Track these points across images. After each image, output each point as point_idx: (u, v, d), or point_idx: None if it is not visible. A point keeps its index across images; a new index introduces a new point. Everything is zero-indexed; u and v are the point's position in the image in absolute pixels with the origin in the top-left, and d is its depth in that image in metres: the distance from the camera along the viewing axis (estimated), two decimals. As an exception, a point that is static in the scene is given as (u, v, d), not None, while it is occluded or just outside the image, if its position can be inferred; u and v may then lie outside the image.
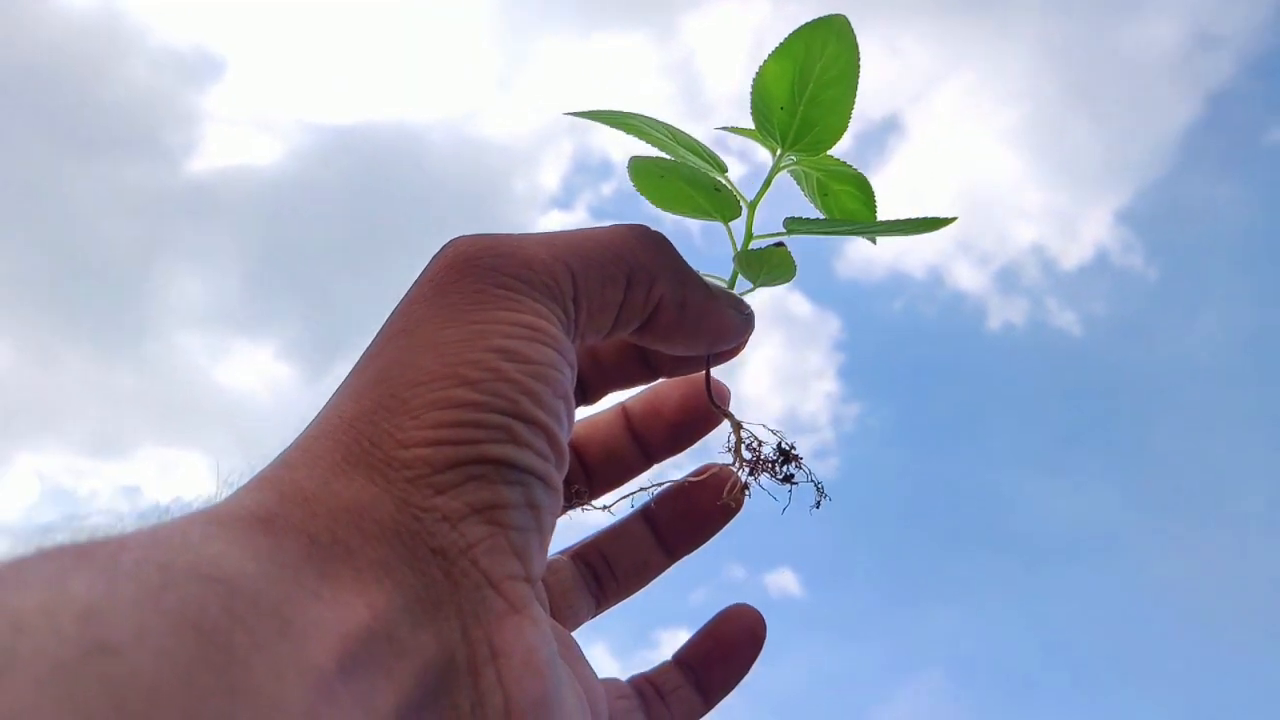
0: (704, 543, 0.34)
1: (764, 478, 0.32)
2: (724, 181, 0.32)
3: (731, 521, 0.33)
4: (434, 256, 0.26)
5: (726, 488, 0.32)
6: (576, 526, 0.33)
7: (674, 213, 0.33)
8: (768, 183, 0.33)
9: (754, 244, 0.33)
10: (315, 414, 0.24)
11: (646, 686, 0.32)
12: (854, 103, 0.32)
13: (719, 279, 0.33)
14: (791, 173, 0.34)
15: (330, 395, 0.25)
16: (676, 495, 0.33)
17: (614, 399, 0.33)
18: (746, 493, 0.33)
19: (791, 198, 0.34)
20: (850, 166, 0.33)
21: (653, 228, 0.29)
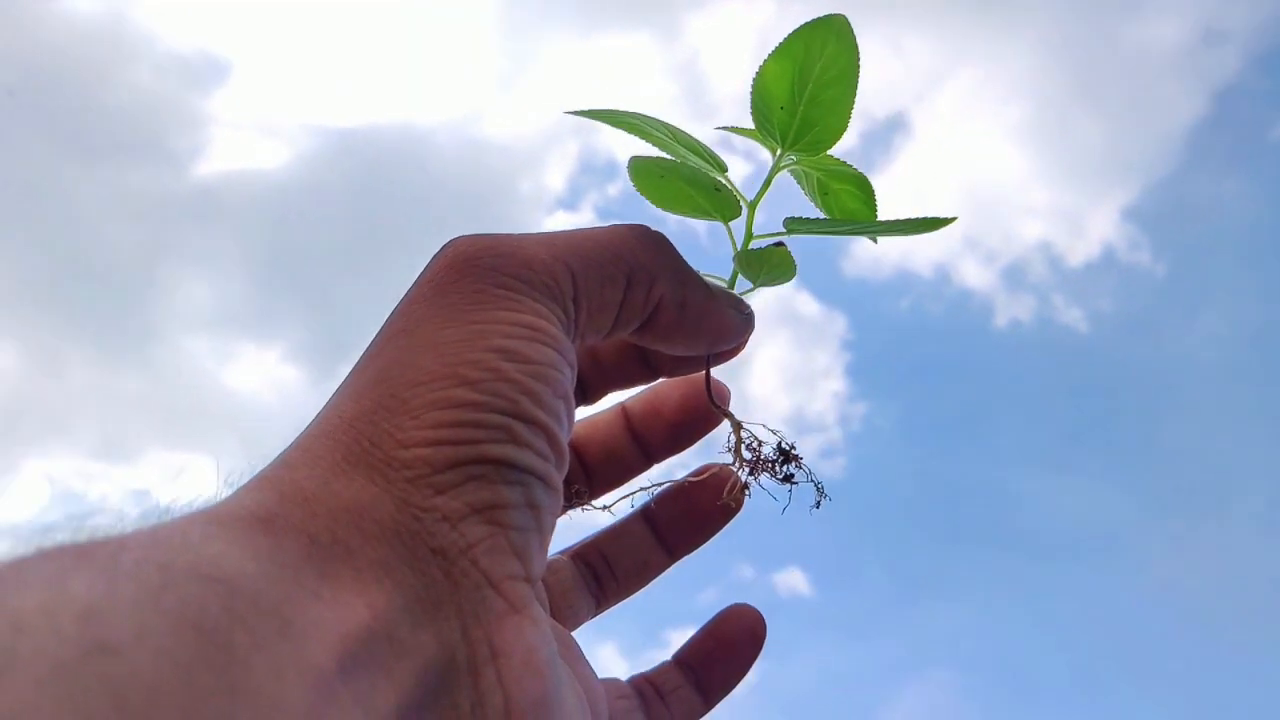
0: (704, 543, 0.34)
1: (764, 478, 0.32)
2: (724, 181, 0.32)
3: (732, 521, 0.33)
4: (434, 256, 0.26)
5: (726, 488, 0.32)
6: (576, 526, 0.33)
7: (674, 212, 0.33)
8: (768, 182, 0.33)
9: (754, 244, 0.33)
10: (316, 414, 0.24)
11: (646, 686, 0.32)
12: (854, 102, 0.32)
13: (719, 279, 0.33)
14: (792, 172, 0.34)
15: (331, 395, 0.25)
16: (676, 495, 0.33)
17: (614, 399, 0.34)
18: (746, 493, 0.33)
19: (792, 197, 0.34)
20: (850, 166, 0.33)
21: (653, 228, 0.29)
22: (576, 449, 0.33)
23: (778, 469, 0.32)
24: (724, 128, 0.34)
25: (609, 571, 0.33)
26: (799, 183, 0.34)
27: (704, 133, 0.33)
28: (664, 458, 0.34)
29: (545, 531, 0.23)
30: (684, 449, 0.34)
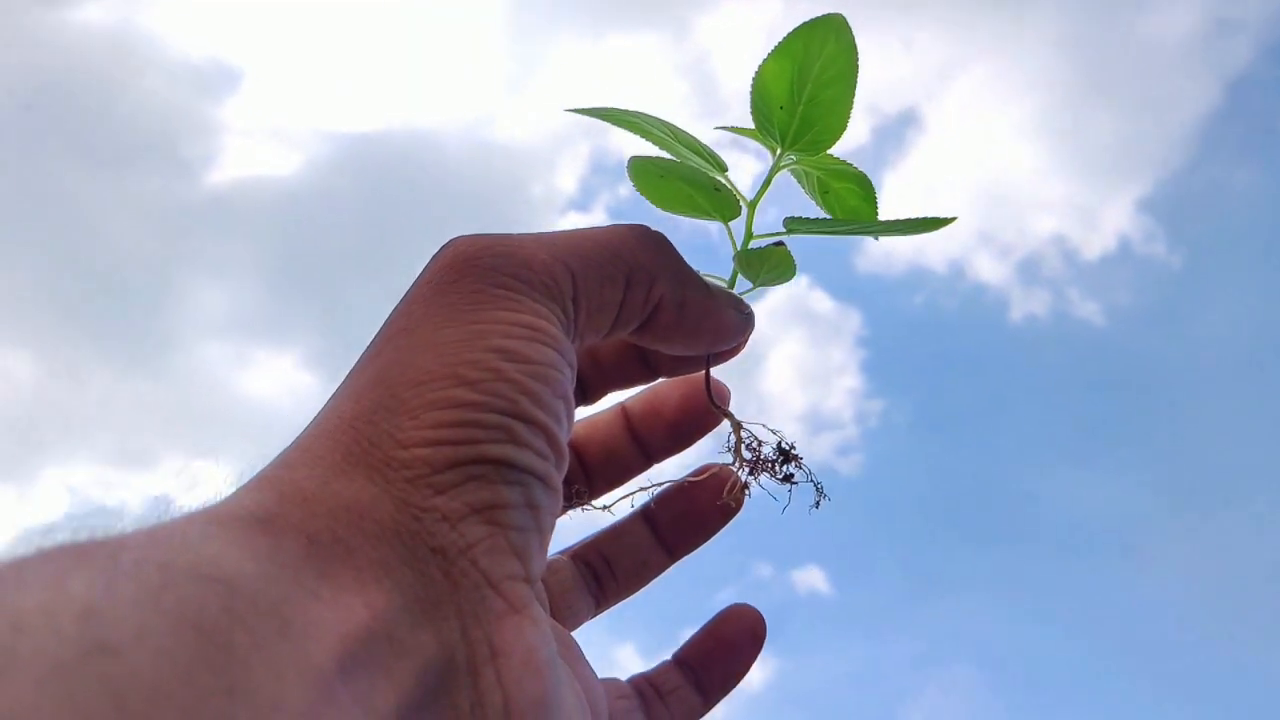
0: (704, 543, 0.34)
1: (764, 477, 0.32)
2: (724, 181, 0.32)
3: (733, 520, 0.33)
4: (433, 257, 0.26)
5: (726, 487, 0.32)
6: (576, 527, 0.33)
7: (673, 212, 0.33)
8: (767, 182, 0.33)
9: (754, 243, 0.33)
10: (316, 415, 0.24)
11: (646, 686, 0.32)
12: (853, 102, 0.32)
13: (719, 279, 0.33)
14: (792, 172, 0.34)
15: (330, 395, 0.25)
16: (676, 495, 0.33)
17: (614, 399, 0.34)
18: (746, 493, 0.33)
19: (792, 197, 0.34)
20: (850, 165, 0.33)
21: (652, 227, 0.29)
22: (576, 449, 0.33)
23: (778, 469, 0.32)
24: (723, 127, 0.34)
25: (609, 572, 0.33)
26: (799, 182, 0.34)
27: (710, 132, 0.33)
28: (664, 458, 0.34)
29: (545, 531, 0.23)
30: (684, 449, 0.34)
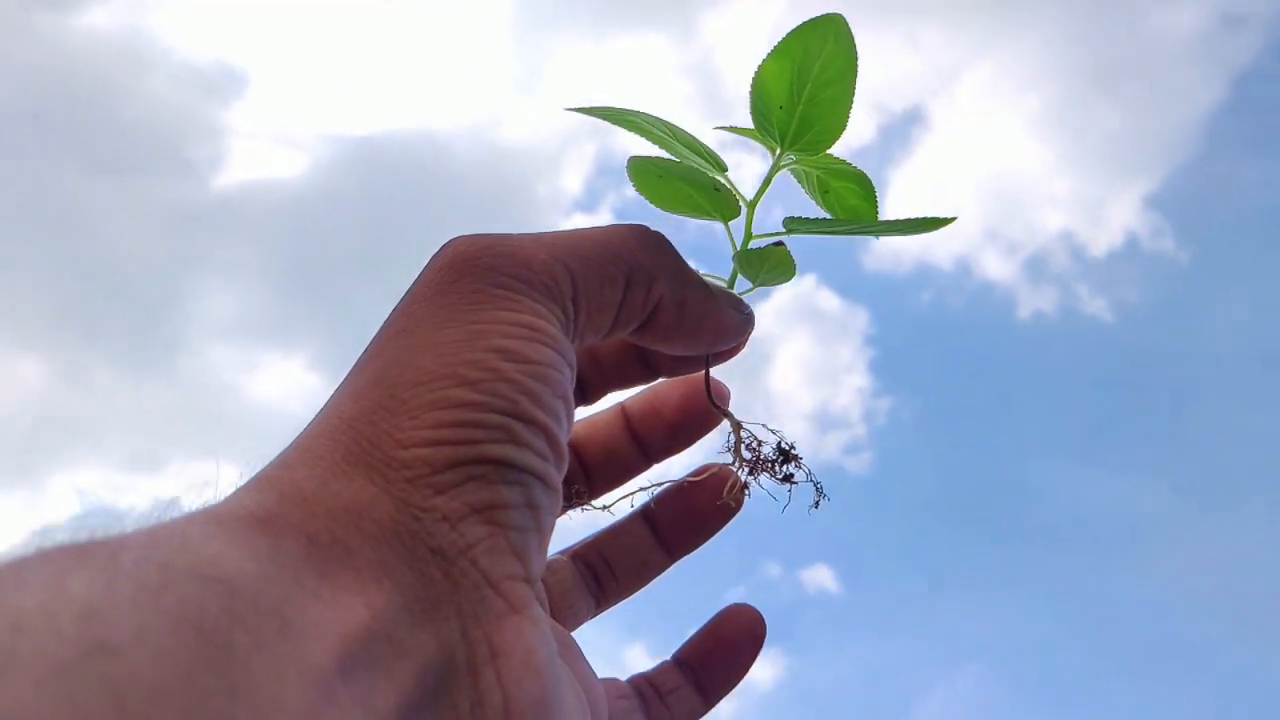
0: (704, 543, 0.34)
1: (764, 477, 0.32)
2: (723, 181, 0.32)
3: (732, 521, 0.33)
4: (432, 257, 0.26)
5: (726, 487, 0.32)
6: (576, 527, 0.34)
7: (673, 212, 0.33)
8: (767, 182, 0.33)
9: (753, 243, 0.33)
10: (316, 415, 0.24)
11: (646, 686, 0.32)
12: (852, 101, 0.32)
13: (718, 279, 0.33)
14: (791, 171, 0.34)
15: (330, 395, 0.25)
16: (676, 495, 0.33)
17: (613, 399, 0.34)
18: (746, 492, 0.33)
19: (792, 197, 0.34)
20: (850, 164, 0.33)
21: (652, 227, 0.29)
22: (576, 449, 0.33)
23: (777, 469, 0.32)
24: (722, 127, 0.34)
25: (609, 572, 0.33)
26: (799, 181, 0.34)
27: (712, 132, 0.33)
28: (663, 458, 0.34)
29: (545, 531, 0.23)
30: (683, 449, 0.34)
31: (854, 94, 0.31)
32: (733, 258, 0.32)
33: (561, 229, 0.28)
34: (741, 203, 0.33)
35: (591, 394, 0.33)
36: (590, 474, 0.34)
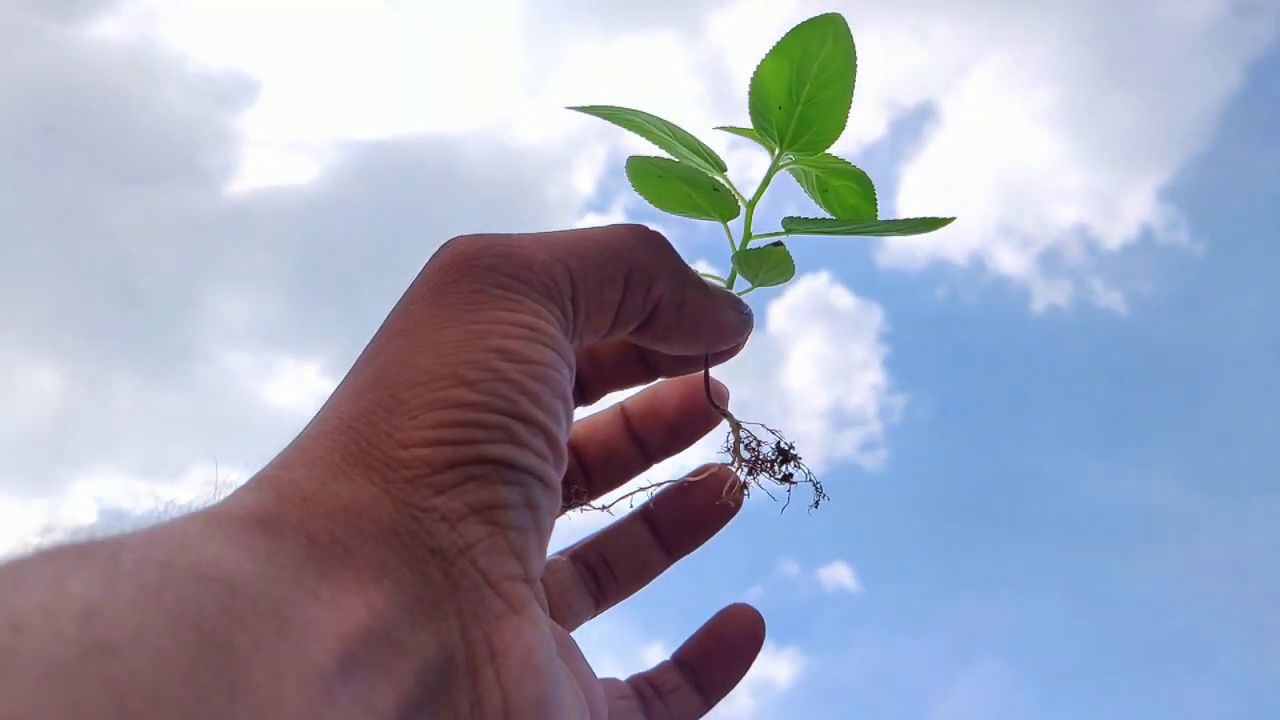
0: (703, 543, 0.34)
1: (763, 477, 0.32)
2: (722, 181, 0.32)
3: (731, 521, 0.33)
4: (432, 256, 0.26)
5: (725, 487, 0.32)
6: (576, 527, 0.34)
7: (672, 212, 0.33)
8: (766, 182, 0.33)
9: (753, 243, 0.33)
10: (315, 415, 0.24)
11: (646, 686, 0.32)
12: (852, 101, 0.32)
13: (718, 279, 0.33)
14: (791, 171, 0.34)
15: (329, 396, 0.25)
16: (676, 495, 0.34)
17: (613, 399, 0.34)
18: (745, 492, 0.33)
19: (793, 197, 0.34)
20: (849, 163, 0.33)
21: (651, 227, 0.29)
22: (575, 449, 0.33)
23: (777, 469, 0.32)
24: (722, 127, 0.34)
25: (608, 572, 0.33)
26: (798, 181, 0.34)
27: (712, 131, 0.33)
28: (663, 458, 0.34)
29: (544, 532, 0.23)
30: (683, 449, 0.34)
31: (853, 94, 0.31)
32: (732, 258, 0.32)
33: (562, 229, 0.28)
34: (740, 203, 0.33)
35: (591, 394, 0.33)
36: (590, 474, 0.34)
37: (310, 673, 0.17)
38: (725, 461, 0.33)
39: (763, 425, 0.33)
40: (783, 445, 0.32)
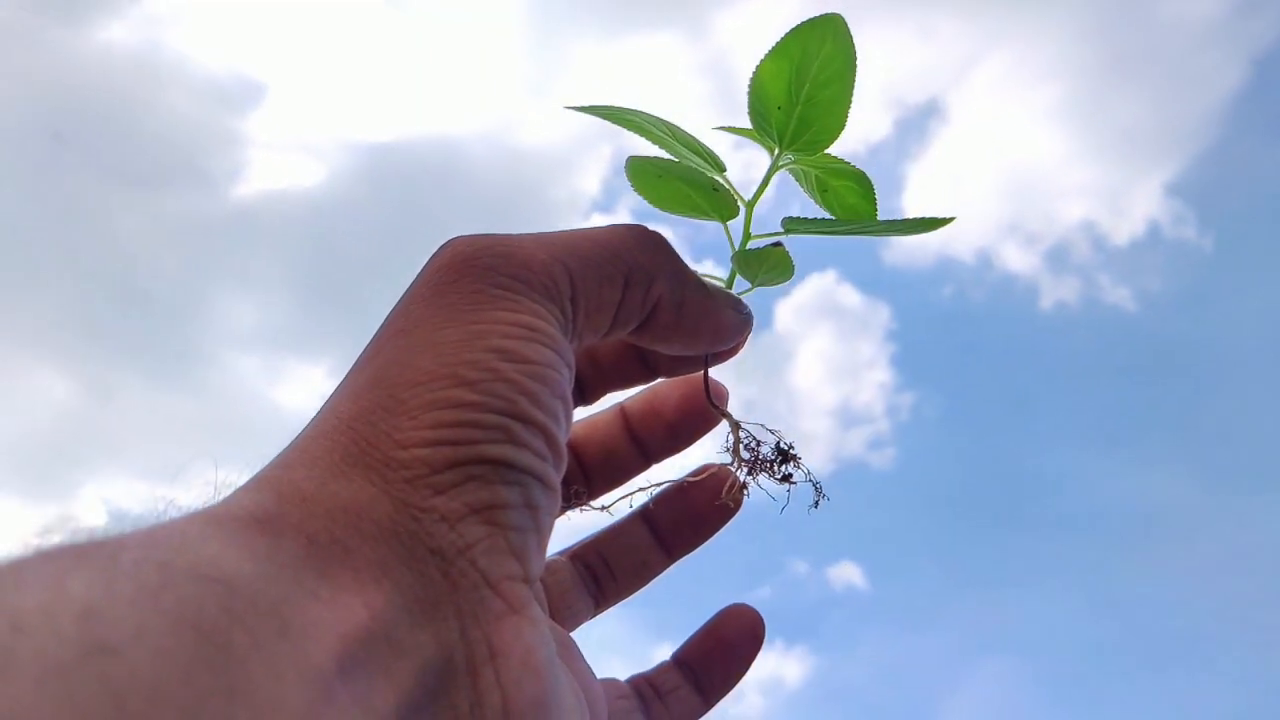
0: (703, 543, 0.34)
1: (762, 477, 0.32)
2: (722, 181, 0.32)
3: (734, 521, 0.33)
4: (431, 256, 0.26)
5: (725, 487, 0.33)
6: (575, 527, 0.34)
7: (671, 212, 0.33)
8: (765, 182, 0.33)
9: (752, 244, 0.33)
10: (314, 415, 0.24)
11: (645, 687, 0.32)
12: (851, 101, 0.32)
13: (717, 279, 0.33)
14: (790, 171, 0.34)
15: (329, 396, 0.25)
16: (675, 495, 0.34)
17: (612, 399, 0.34)
18: (745, 492, 0.33)
19: (795, 196, 0.34)
20: (849, 164, 0.33)
21: (651, 227, 0.29)
22: (575, 449, 0.33)
23: (776, 469, 0.32)
24: (721, 128, 0.34)
25: (608, 572, 0.33)
26: (798, 181, 0.34)
27: (712, 131, 0.33)
28: (662, 458, 0.34)
29: (543, 532, 0.23)
30: (682, 449, 0.34)
31: (852, 94, 0.31)
32: (731, 258, 0.32)
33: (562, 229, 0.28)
34: (740, 203, 0.33)
35: (591, 394, 0.33)
36: (589, 474, 0.34)
37: (310, 673, 0.17)
38: (725, 461, 0.33)
39: (762, 425, 0.33)
40: (782, 445, 0.32)
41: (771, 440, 0.32)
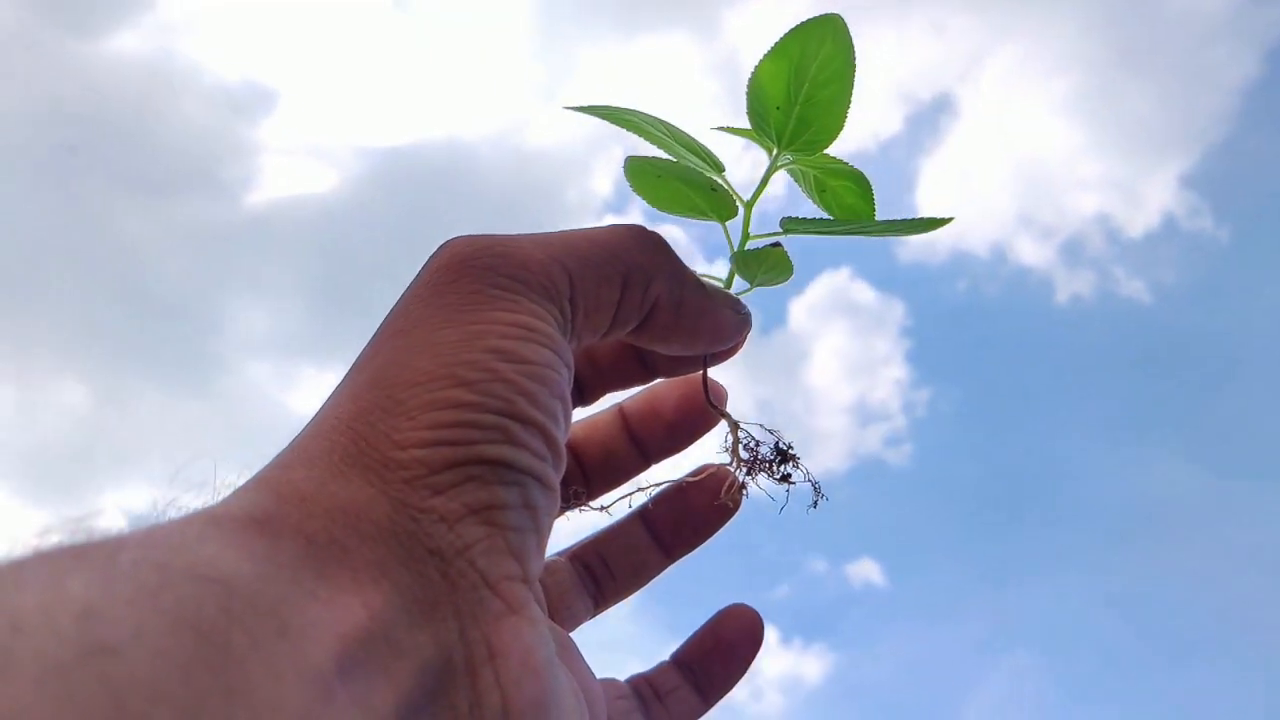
0: (702, 543, 0.34)
1: (761, 477, 0.32)
2: (720, 181, 0.32)
3: (730, 521, 0.33)
4: (430, 257, 0.26)
5: (724, 488, 0.33)
6: (575, 528, 0.34)
7: (670, 213, 0.33)
8: (764, 182, 0.33)
9: (751, 244, 0.33)
10: (313, 416, 0.24)
11: (645, 687, 0.32)
12: (850, 101, 0.32)
13: (716, 279, 0.33)
14: (789, 171, 0.34)
15: (328, 396, 0.25)
16: (674, 496, 0.33)
17: (611, 399, 0.34)
18: (744, 493, 0.33)
19: (799, 197, 0.34)
20: (847, 164, 0.33)
21: (649, 227, 0.29)
22: (574, 450, 0.33)
23: (775, 469, 0.32)
24: (720, 128, 0.34)
25: (607, 573, 0.33)
26: (796, 181, 0.34)
27: (711, 132, 0.33)
28: (662, 458, 0.34)
29: (542, 532, 0.23)
30: (682, 449, 0.34)
31: (852, 94, 0.31)
32: (730, 258, 0.32)
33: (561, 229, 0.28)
34: (739, 203, 0.33)
35: (590, 395, 0.33)
36: (588, 475, 0.34)
37: (309, 673, 0.17)
38: (724, 462, 0.33)
39: (761, 425, 0.33)
40: (781, 445, 0.32)
41: (770, 440, 0.32)
